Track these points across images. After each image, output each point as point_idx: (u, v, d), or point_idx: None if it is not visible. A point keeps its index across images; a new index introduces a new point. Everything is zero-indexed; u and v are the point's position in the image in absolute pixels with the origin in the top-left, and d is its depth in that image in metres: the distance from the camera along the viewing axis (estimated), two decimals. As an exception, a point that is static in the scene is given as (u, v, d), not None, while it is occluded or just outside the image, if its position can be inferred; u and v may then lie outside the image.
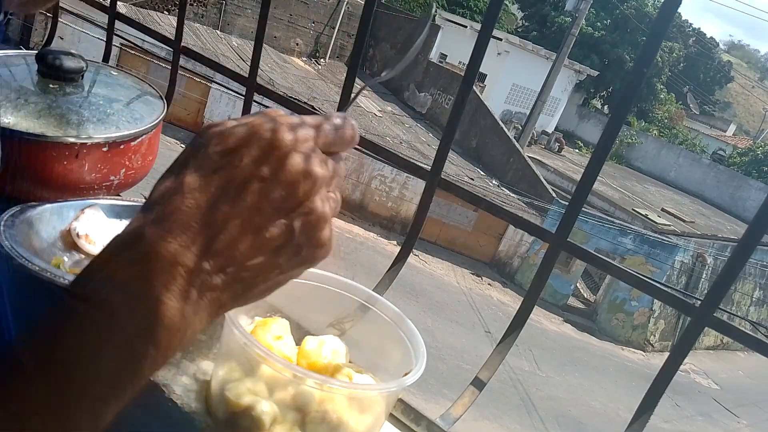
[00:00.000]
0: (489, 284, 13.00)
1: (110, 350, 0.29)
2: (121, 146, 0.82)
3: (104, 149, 0.78)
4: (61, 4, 1.05)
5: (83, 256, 0.65)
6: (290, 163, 0.33)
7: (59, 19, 1.19)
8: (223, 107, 13.25)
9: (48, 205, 0.67)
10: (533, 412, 8.77)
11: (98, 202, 0.73)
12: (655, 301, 12.55)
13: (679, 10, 0.58)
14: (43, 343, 0.28)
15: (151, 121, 0.87)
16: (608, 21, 23.56)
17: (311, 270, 0.59)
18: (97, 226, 0.68)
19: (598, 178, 0.64)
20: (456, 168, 13.17)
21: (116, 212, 0.73)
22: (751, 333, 0.59)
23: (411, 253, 0.78)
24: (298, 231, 0.34)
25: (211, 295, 0.32)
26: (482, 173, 13.96)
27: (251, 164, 0.33)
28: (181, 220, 0.31)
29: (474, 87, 0.75)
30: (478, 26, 16.27)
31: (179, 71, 1.02)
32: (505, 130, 14.40)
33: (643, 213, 13.68)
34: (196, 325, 0.32)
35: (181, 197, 0.32)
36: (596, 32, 23.16)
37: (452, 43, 17.38)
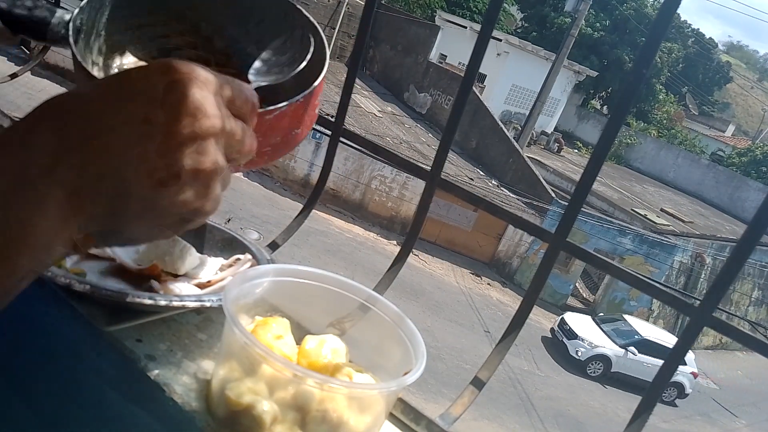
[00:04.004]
0: (488, 284, 13.01)
1: None
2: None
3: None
4: (62, 4, 1.05)
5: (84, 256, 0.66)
6: (187, 91, 0.31)
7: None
8: (222, 107, 13.23)
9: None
10: (532, 411, 8.78)
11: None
12: (654, 301, 12.58)
13: (678, 11, 0.58)
14: None
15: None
16: (607, 22, 23.59)
17: (311, 270, 0.60)
18: (97, 226, 0.68)
19: (598, 178, 0.65)
20: (456, 168, 13.18)
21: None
22: (749, 333, 0.59)
23: (411, 253, 0.78)
24: (186, 168, 0.31)
25: (62, 192, 0.29)
26: (482, 173, 13.97)
27: (144, 78, 0.31)
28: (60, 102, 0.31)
29: (474, 87, 0.76)
30: (477, 27, 16.29)
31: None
32: (505, 130, 14.41)
33: (642, 213, 13.70)
34: (43, 228, 0.29)
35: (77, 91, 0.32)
36: (595, 33, 23.17)
37: (452, 43, 17.40)
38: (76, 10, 0.55)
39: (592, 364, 10.67)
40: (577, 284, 14.22)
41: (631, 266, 10.34)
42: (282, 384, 0.48)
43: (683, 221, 14.54)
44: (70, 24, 0.53)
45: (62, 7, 0.61)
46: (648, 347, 10.61)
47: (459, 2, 21.64)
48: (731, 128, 37.60)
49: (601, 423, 9.35)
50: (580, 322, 11.20)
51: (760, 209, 0.54)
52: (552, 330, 11.27)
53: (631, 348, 10.72)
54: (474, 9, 21.74)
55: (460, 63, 17.29)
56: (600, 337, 10.90)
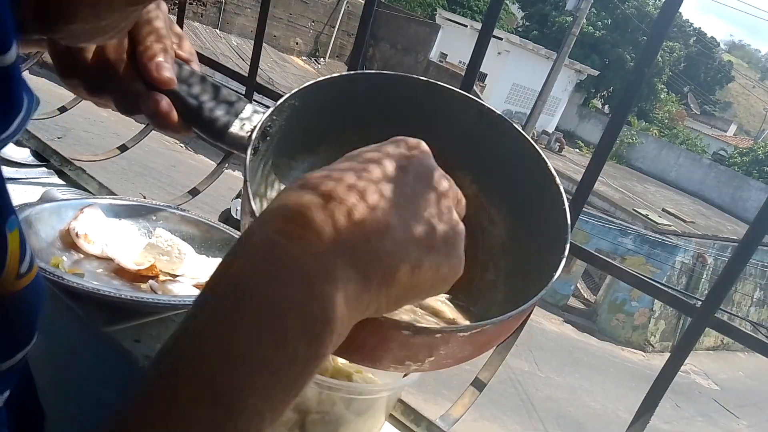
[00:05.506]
0: (489, 284, 12.99)
1: (262, 352, 0.24)
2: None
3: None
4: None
5: (82, 255, 0.65)
6: (439, 175, 0.34)
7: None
8: (223, 107, 13.24)
9: (47, 205, 0.67)
10: (533, 412, 8.77)
11: (97, 201, 0.73)
12: (656, 301, 12.56)
13: (680, 10, 0.58)
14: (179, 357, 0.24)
15: None
16: (609, 21, 23.57)
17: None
18: (96, 226, 0.68)
19: (599, 178, 0.64)
20: (456, 168, 13.17)
21: (115, 212, 0.73)
22: (751, 333, 0.59)
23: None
24: (446, 230, 0.32)
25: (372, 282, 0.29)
26: (482, 173, 13.96)
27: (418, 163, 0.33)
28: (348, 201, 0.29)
29: (474, 87, 0.75)
30: (478, 26, 16.27)
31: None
32: (506, 130, 14.39)
33: (644, 213, 13.68)
34: (350, 318, 0.29)
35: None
36: (597, 32, 23.16)
37: (452, 42, 17.39)
38: (270, 110, 0.44)
39: None
40: (578, 284, 14.21)
41: (632, 266, 10.33)
42: (281, 385, 0.47)
43: (685, 221, 14.52)
44: (256, 127, 0.43)
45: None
46: None
47: (459, 1, 21.64)
48: (733, 128, 37.55)
49: (601, 424, 9.35)
50: None
51: (762, 209, 0.54)
52: None
53: None
54: (475, 8, 21.73)
55: (460, 62, 17.27)
56: None
